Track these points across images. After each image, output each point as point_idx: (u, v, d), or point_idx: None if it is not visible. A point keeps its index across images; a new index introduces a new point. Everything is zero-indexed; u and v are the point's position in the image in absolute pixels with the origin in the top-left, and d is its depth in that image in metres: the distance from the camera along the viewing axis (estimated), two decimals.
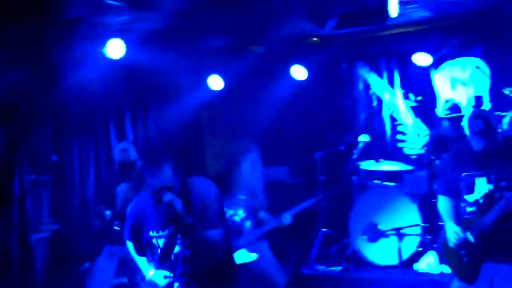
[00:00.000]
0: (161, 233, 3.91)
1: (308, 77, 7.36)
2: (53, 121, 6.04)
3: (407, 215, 5.89)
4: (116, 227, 5.33)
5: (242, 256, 5.12)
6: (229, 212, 5.21)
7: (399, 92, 7.41)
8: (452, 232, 4.07)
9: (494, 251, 4.00)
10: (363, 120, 7.64)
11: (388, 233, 5.88)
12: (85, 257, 5.79)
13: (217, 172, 6.65)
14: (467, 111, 6.25)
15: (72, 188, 6.23)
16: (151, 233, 3.95)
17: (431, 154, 6.31)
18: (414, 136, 7.21)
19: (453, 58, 7.00)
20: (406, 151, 7.25)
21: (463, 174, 4.12)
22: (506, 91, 6.11)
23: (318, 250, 6.23)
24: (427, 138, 6.94)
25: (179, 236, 3.78)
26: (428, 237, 5.82)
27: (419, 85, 7.20)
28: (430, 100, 7.09)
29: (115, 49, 5.91)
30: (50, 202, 5.98)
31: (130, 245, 4.16)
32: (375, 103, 7.58)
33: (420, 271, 5.71)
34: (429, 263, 5.69)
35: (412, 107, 7.23)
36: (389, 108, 7.49)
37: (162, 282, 3.88)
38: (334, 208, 6.39)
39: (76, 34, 5.75)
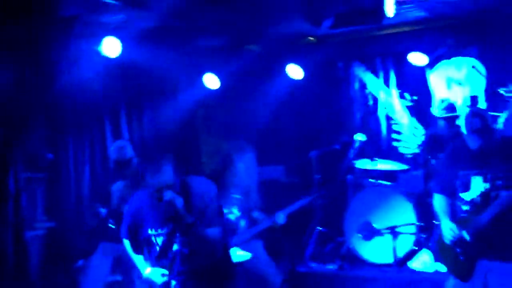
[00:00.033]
0: (159, 231, 3.92)
1: (304, 77, 7.38)
2: (49, 119, 6.03)
3: (402, 214, 5.90)
4: (111, 225, 5.33)
5: (236, 255, 5.12)
6: (224, 211, 5.21)
7: (394, 91, 7.43)
8: (448, 229, 4.08)
9: (489, 249, 4.00)
10: (359, 120, 7.65)
11: (383, 231, 5.89)
12: (80, 255, 5.80)
13: (212, 170, 6.66)
14: (462, 110, 6.29)
15: (67, 186, 6.23)
16: (149, 231, 3.96)
17: (427, 153, 6.32)
18: (410, 136, 7.22)
19: (448, 58, 7.03)
20: (402, 150, 7.27)
21: (459, 172, 4.12)
22: (502, 91, 6.12)
23: (313, 249, 6.24)
24: (422, 138, 6.95)
25: (177, 234, 3.80)
26: (423, 235, 5.83)
27: (414, 85, 7.21)
28: (425, 100, 7.10)
29: (111, 47, 5.91)
30: (45, 199, 5.97)
31: (127, 243, 4.16)
32: (371, 103, 7.59)
33: (415, 269, 5.71)
34: (424, 261, 5.70)
35: (407, 107, 7.24)
36: (385, 108, 7.50)
37: (159, 280, 3.90)
38: (329, 207, 6.39)
39: (72, 33, 5.75)
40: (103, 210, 5.40)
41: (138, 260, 4.12)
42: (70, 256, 5.87)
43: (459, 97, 6.92)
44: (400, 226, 5.82)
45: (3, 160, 5.59)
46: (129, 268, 5.37)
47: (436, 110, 6.37)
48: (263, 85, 7.64)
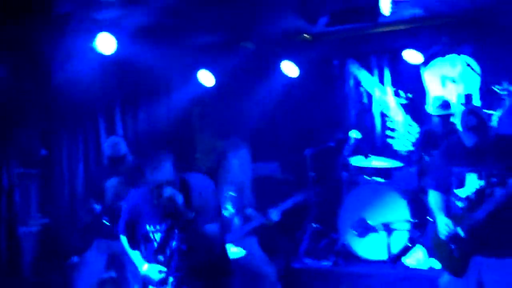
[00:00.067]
0: (158, 227, 3.92)
1: (299, 74, 7.38)
2: (43, 115, 6.02)
3: (397, 211, 5.91)
4: (105, 222, 5.32)
5: (231, 252, 5.12)
6: None
7: (389, 89, 7.44)
8: (443, 224, 4.09)
9: (483, 246, 4.01)
10: (354, 117, 7.66)
11: (377, 228, 5.90)
12: (74, 251, 5.78)
13: (207, 168, 6.66)
14: (457, 108, 6.30)
15: (61, 182, 6.22)
16: (147, 228, 3.96)
17: (421, 150, 6.33)
18: (404, 133, 7.24)
19: (443, 56, 7.04)
20: (396, 147, 7.28)
21: (454, 169, 4.13)
22: (496, 89, 6.13)
23: (308, 245, 6.25)
24: (417, 135, 6.96)
25: (176, 231, 3.80)
26: (417, 232, 5.84)
27: (409, 83, 7.22)
28: (420, 97, 7.11)
29: (106, 44, 5.90)
30: (38, 195, 5.96)
31: (124, 239, 4.16)
32: (365, 100, 7.60)
33: (408, 266, 5.72)
34: (418, 258, 5.71)
35: (402, 104, 7.26)
36: (380, 105, 7.52)
37: (157, 276, 3.90)
38: (324, 204, 6.39)
39: (66, 29, 5.74)
40: (97, 207, 5.39)
41: (135, 256, 4.12)
42: (64, 253, 5.86)
43: (453, 94, 6.94)
44: (394, 222, 5.83)
45: None
46: (123, 264, 5.37)
47: (431, 107, 6.38)
48: (258, 83, 7.65)
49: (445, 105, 6.22)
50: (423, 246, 5.68)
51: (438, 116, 6.14)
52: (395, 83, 7.40)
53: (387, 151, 7.15)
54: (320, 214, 6.36)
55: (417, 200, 5.94)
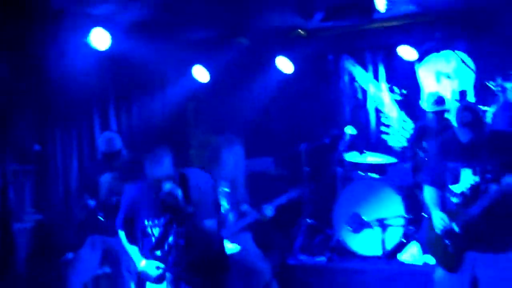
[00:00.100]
0: (156, 222, 3.93)
1: (294, 70, 7.37)
2: (36, 111, 5.99)
3: (391, 207, 5.92)
4: (100, 217, 5.30)
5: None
6: None
7: (384, 85, 7.45)
8: (439, 219, 4.10)
9: (477, 242, 4.03)
10: (348, 113, 7.67)
11: (372, 224, 5.91)
12: (68, 248, 5.76)
13: (201, 163, 6.64)
14: (451, 104, 6.31)
15: (55, 178, 6.19)
16: (146, 222, 3.96)
17: (415, 146, 6.34)
18: (399, 129, 7.26)
19: (437, 52, 7.05)
20: (391, 143, 7.31)
21: (449, 164, 4.14)
22: (490, 85, 6.15)
23: (303, 241, 6.26)
24: (411, 131, 6.98)
25: (174, 226, 3.81)
26: (411, 228, 5.86)
27: (404, 79, 7.25)
28: (414, 93, 7.13)
29: (100, 39, 5.87)
30: (32, 192, 5.93)
31: (122, 234, 4.15)
32: (360, 96, 7.62)
33: (403, 261, 5.74)
34: (412, 254, 5.72)
35: (396, 100, 7.28)
36: (374, 101, 7.53)
37: (154, 272, 3.91)
38: (318, 199, 6.41)
39: (60, 25, 5.71)
40: (91, 202, 5.37)
41: (133, 251, 4.11)
42: (58, 249, 5.82)
43: (448, 90, 6.96)
44: (389, 218, 5.84)
45: None
46: (118, 260, 5.36)
47: (425, 103, 6.39)
48: (253, 78, 7.64)
49: (440, 101, 6.22)
50: (418, 242, 5.70)
51: (433, 112, 6.14)
52: (389, 79, 7.41)
53: (381, 147, 7.18)
54: (315, 210, 6.37)
55: (411, 196, 5.96)
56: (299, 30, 7.35)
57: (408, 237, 5.85)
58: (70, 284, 5.32)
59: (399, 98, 7.16)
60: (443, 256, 4.17)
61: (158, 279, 3.89)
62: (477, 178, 4.03)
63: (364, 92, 7.59)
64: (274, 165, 7.41)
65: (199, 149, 7.51)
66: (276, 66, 7.35)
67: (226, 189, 5.42)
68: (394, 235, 5.86)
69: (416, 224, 5.77)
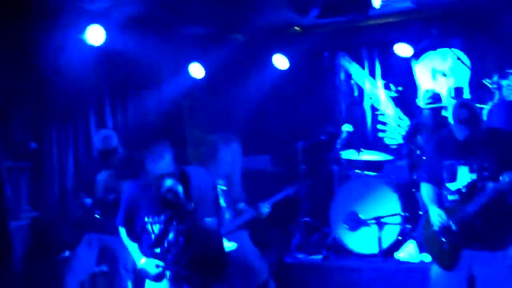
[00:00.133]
0: (156, 219, 3.92)
1: (289, 67, 7.36)
2: (32, 108, 5.96)
3: (388, 205, 5.92)
4: (96, 215, 5.29)
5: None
6: None
7: (380, 82, 7.45)
8: (436, 215, 4.10)
9: (474, 239, 4.04)
10: (344, 110, 7.67)
11: (368, 222, 5.91)
12: (65, 246, 5.75)
13: (197, 161, 6.62)
14: (447, 101, 6.32)
15: (51, 176, 6.16)
16: (146, 219, 3.95)
17: (411, 144, 6.35)
18: (395, 126, 7.27)
19: (433, 49, 7.06)
20: (387, 141, 7.32)
21: (445, 162, 4.15)
22: (486, 82, 6.16)
23: (300, 239, 6.26)
24: (407, 128, 6.98)
25: (174, 222, 3.81)
26: (408, 226, 5.87)
27: (400, 76, 7.26)
28: (410, 91, 7.14)
29: (95, 35, 5.84)
30: (29, 189, 5.90)
31: (122, 231, 4.14)
32: (356, 93, 7.62)
33: (400, 259, 5.75)
34: (409, 252, 5.73)
35: (392, 98, 7.28)
36: (370, 98, 7.53)
37: (153, 271, 3.90)
38: (315, 197, 6.41)
39: (56, 20, 5.68)
40: (88, 200, 5.36)
41: (133, 249, 4.11)
42: (55, 247, 5.82)
43: (444, 88, 6.98)
44: (385, 216, 5.85)
45: None
46: (115, 259, 5.35)
47: (422, 101, 6.40)
48: (249, 75, 7.62)
49: (436, 98, 6.23)
50: (414, 240, 5.70)
51: (429, 109, 6.14)
52: (385, 76, 7.42)
53: (378, 144, 7.19)
54: (312, 208, 6.37)
55: (408, 194, 5.96)
56: (295, 27, 7.34)
57: (404, 235, 5.86)
58: (66, 282, 5.31)
59: (395, 95, 7.17)
60: (440, 254, 4.18)
61: (158, 277, 3.89)
62: (474, 176, 4.04)
63: (360, 89, 7.59)
64: (270, 163, 7.41)
65: (195, 147, 7.49)
66: (272, 63, 7.34)
67: (223, 187, 5.40)
68: (391, 233, 5.86)
69: (412, 222, 5.77)
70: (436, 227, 4.12)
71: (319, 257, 6.00)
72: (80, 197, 5.40)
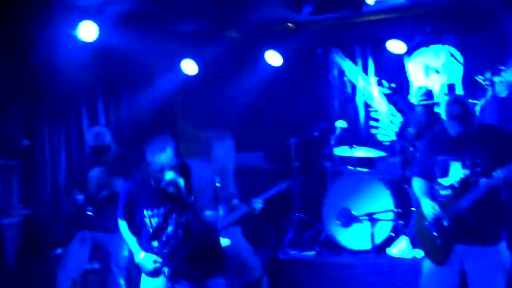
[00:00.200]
0: (156, 211, 3.90)
1: (283, 63, 7.36)
2: (24, 105, 5.93)
3: (380, 201, 5.93)
4: (89, 212, 5.27)
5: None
6: None
7: (373, 79, 7.46)
8: (429, 207, 4.10)
9: (466, 235, 4.05)
10: (337, 106, 7.68)
11: (361, 218, 5.92)
12: (57, 243, 5.73)
13: (190, 157, 6.60)
14: (440, 98, 6.33)
15: (44, 173, 6.14)
16: (145, 212, 3.93)
17: (404, 140, 6.36)
18: (387, 123, 7.27)
19: (426, 46, 7.07)
20: (380, 137, 7.33)
21: (438, 157, 4.16)
22: (479, 79, 6.17)
23: (293, 235, 6.26)
24: (400, 125, 6.99)
25: (174, 215, 3.80)
26: (400, 222, 5.88)
27: (392, 72, 7.25)
28: (403, 87, 7.14)
29: (87, 31, 5.82)
30: (21, 186, 5.88)
31: (123, 224, 4.12)
32: (349, 90, 7.62)
33: (392, 255, 5.76)
34: (401, 248, 5.74)
35: (385, 94, 7.28)
36: (363, 95, 7.53)
37: (151, 266, 3.89)
38: (308, 194, 6.41)
39: (47, 16, 5.65)
40: (80, 197, 5.34)
41: (132, 242, 4.09)
42: (47, 244, 5.80)
43: (437, 85, 6.99)
44: (378, 212, 5.86)
45: None
46: (107, 256, 5.34)
47: (414, 97, 6.40)
48: (242, 72, 7.61)
49: (429, 94, 6.24)
50: (407, 236, 5.72)
51: (422, 106, 6.15)
52: (378, 73, 7.42)
53: (370, 141, 7.19)
54: (305, 204, 6.37)
55: (401, 190, 5.97)
56: (288, 24, 7.33)
57: (397, 231, 5.87)
58: (58, 279, 5.29)
59: (388, 91, 7.17)
60: (432, 249, 4.19)
61: (155, 273, 3.88)
62: (466, 171, 4.04)
63: (353, 85, 7.60)
64: (263, 159, 7.41)
65: (188, 143, 7.48)
66: (265, 60, 7.33)
67: (217, 184, 5.39)
68: (383, 229, 5.87)
69: (405, 218, 5.78)
70: (429, 219, 4.12)
71: (312, 253, 6.00)
72: (72, 194, 5.38)
